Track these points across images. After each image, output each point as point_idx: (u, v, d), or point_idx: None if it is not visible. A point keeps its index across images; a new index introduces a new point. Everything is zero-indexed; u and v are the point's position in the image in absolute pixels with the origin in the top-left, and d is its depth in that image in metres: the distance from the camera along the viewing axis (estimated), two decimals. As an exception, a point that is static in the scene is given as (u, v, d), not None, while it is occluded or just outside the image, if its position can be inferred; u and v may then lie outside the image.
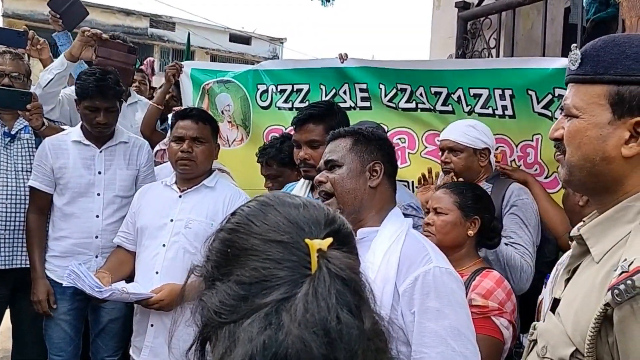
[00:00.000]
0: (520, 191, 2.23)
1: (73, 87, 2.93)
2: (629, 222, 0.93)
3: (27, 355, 2.80)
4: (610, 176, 0.97)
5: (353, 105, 2.81)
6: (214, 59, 26.42)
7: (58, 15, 3.22)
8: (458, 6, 4.01)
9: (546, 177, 2.47)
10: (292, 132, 2.35)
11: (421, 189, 2.64)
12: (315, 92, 2.90)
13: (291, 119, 2.34)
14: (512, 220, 2.16)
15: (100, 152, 2.64)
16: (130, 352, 2.39)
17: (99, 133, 2.62)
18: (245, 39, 28.61)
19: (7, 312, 2.89)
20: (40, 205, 2.63)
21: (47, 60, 3.09)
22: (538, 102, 2.35)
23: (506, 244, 2.09)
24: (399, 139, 2.75)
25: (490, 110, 2.49)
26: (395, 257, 1.34)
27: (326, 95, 2.85)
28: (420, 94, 2.62)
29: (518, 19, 3.72)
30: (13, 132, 2.73)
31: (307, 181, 2.23)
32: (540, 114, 2.37)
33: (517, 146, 2.48)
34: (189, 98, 3.18)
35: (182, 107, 2.93)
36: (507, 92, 2.42)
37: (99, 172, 2.63)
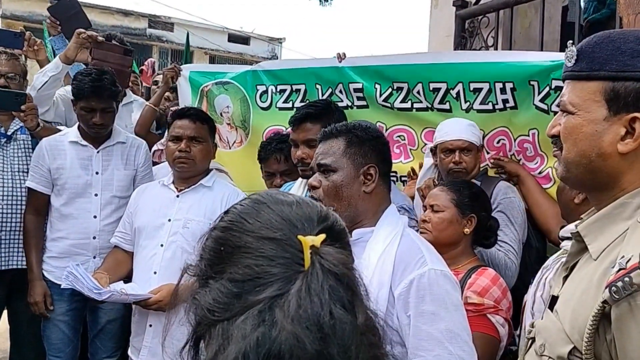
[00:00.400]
0: (507, 190, 2.24)
1: (67, 87, 2.92)
2: (627, 218, 0.93)
3: (25, 356, 2.80)
4: (607, 172, 0.96)
5: (350, 104, 2.81)
6: (212, 59, 26.42)
7: (58, 22, 3.21)
8: (456, 5, 4.01)
9: (540, 173, 2.46)
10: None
11: (409, 183, 2.65)
12: (312, 92, 2.89)
13: None
14: (499, 219, 2.16)
15: (98, 152, 2.64)
16: (129, 352, 2.38)
17: (96, 134, 2.61)
18: (243, 39, 28.59)
19: (5, 313, 2.88)
20: (37, 206, 2.63)
21: (44, 61, 3.09)
22: (539, 94, 2.34)
23: None
24: (399, 136, 2.74)
25: (490, 106, 2.47)
26: (390, 260, 1.33)
27: (322, 95, 2.84)
28: (418, 92, 2.60)
29: (516, 18, 3.72)
30: (9, 133, 2.73)
31: (304, 180, 2.22)
32: (537, 107, 2.36)
33: (515, 140, 2.48)
34: (188, 101, 3.17)
35: (179, 107, 2.92)
36: (508, 85, 2.39)
37: (97, 173, 2.62)
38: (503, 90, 2.41)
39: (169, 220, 2.31)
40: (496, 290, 1.74)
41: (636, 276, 0.80)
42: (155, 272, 2.28)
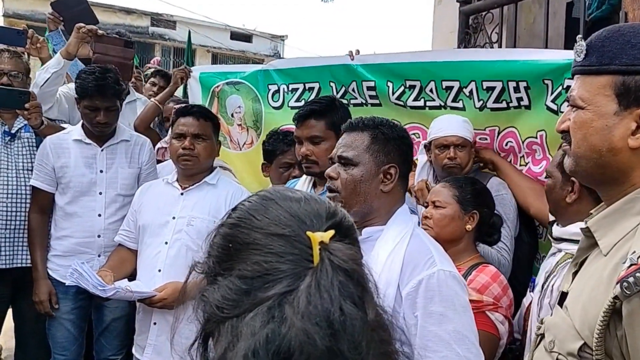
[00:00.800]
0: (499, 186, 2.24)
1: (70, 85, 2.92)
2: (637, 214, 0.92)
3: (30, 354, 2.80)
4: (617, 167, 0.95)
5: (364, 101, 2.80)
6: (214, 57, 26.43)
7: (60, 18, 3.19)
8: (459, 1, 3.99)
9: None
10: None
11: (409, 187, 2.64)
12: (326, 90, 2.88)
13: None
14: None
15: (102, 150, 2.64)
16: (133, 350, 2.39)
17: (100, 132, 2.61)
18: (246, 37, 28.58)
19: (9, 311, 2.89)
20: (42, 204, 2.63)
21: (46, 59, 3.08)
22: (551, 93, 2.32)
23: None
24: (414, 134, 2.73)
25: (504, 104, 2.45)
26: (399, 259, 1.32)
27: (337, 93, 2.83)
28: (431, 90, 2.58)
29: (520, 13, 3.70)
30: (13, 131, 2.72)
31: (309, 177, 2.22)
32: (548, 107, 2.34)
33: (523, 142, 2.46)
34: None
35: (183, 105, 2.91)
36: (522, 84, 2.37)
37: (101, 171, 2.62)
38: (517, 89, 2.39)
39: (173, 217, 2.31)
40: (496, 287, 1.73)
41: None
42: (159, 270, 2.27)
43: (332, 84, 2.85)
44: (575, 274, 1.01)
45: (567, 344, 0.92)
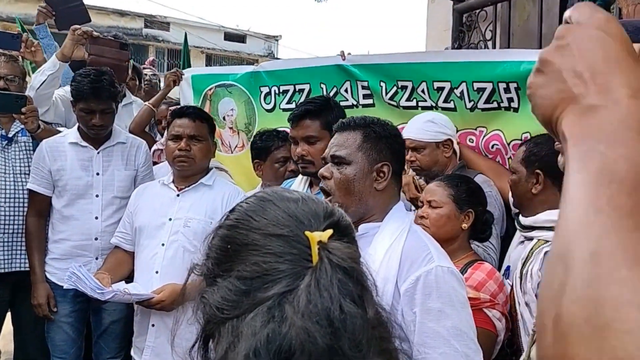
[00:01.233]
0: (484, 184, 2.25)
1: (67, 88, 2.91)
2: None
3: (30, 357, 2.80)
4: None
5: (355, 103, 2.80)
6: (209, 58, 26.39)
7: (53, 12, 3.17)
8: (453, -1, 4.00)
9: None
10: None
11: None
12: (317, 91, 2.88)
13: None
14: None
15: (98, 153, 2.63)
16: (132, 353, 2.39)
17: (95, 135, 2.60)
18: (240, 37, 28.56)
19: (8, 315, 2.89)
20: (39, 208, 2.63)
21: (41, 63, 3.07)
22: None
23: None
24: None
25: (495, 104, 2.46)
26: (396, 255, 1.32)
27: (327, 94, 2.83)
28: (422, 91, 2.60)
29: (514, 11, 3.71)
30: (10, 135, 2.72)
31: (305, 177, 2.22)
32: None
33: (509, 145, 2.47)
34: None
35: (179, 106, 2.91)
36: (512, 85, 2.38)
37: (97, 174, 2.62)
38: (507, 90, 2.40)
39: (170, 219, 2.31)
40: (492, 284, 1.74)
41: None
42: (157, 272, 2.27)
43: (322, 85, 2.85)
44: None
45: None
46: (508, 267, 2.00)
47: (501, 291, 1.75)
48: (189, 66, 4.82)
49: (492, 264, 2.07)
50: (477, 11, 3.83)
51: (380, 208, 1.45)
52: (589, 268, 0.36)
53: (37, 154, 2.62)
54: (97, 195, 2.60)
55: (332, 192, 1.45)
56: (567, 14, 0.52)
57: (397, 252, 1.33)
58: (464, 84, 2.48)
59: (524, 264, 1.78)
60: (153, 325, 2.27)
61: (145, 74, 4.24)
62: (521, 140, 2.41)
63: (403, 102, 2.66)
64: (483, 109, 2.47)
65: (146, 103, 3.26)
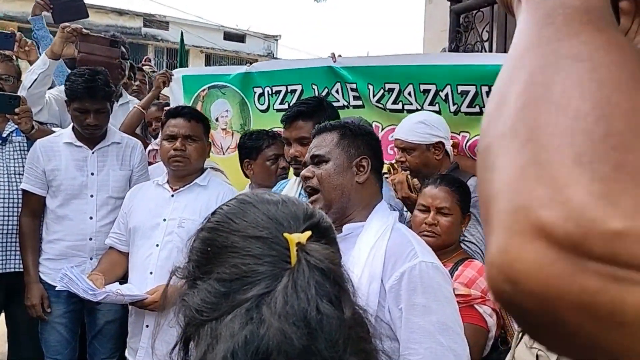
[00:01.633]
0: (477, 187, 2.23)
1: (61, 88, 2.90)
2: None
3: (24, 358, 2.79)
4: None
5: (346, 104, 2.81)
6: (208, 57, 26.38)
7: (51, 5, 3.16)
8: (450, -1, 4.01)
9: None
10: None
11: (389, 179, 2.66)
12: (308, 92, 2.89)
13: None
14: None
15: (93, 153, 2.63)
16: (126, 353, 2.38)
17: (90, 134, 2.60)
18: (239, 37, 28.54)
19: (2, 316, 2.88)
20: (33, 208, 2.62)
21: (35, 62, 3.07)
22: None
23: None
24: (392, 136, 2.75)
25: (477, 109, 2.47)
26: (380, 253, 1.33)
27: (319, 95, 2.84)
28: (409, 93, 2.62)
29: (510, 12, 3.71)
30: (4, 135, 2.72)
31: (298, 179, 2.22)
32: None
33: None
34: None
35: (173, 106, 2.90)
36: None
37: (92, 174, 2.61)
38: (489, 94, 2.41)
39: (164, 220, 2.31)
40: (483, 281, 1.75)
41: None
42: (151, 273, 2.27)
43: (314, 87, 2.86)
44: None
45: None
46: None
47: None
48: (187, 65, 4.82)
49: (481, 255, 2.08)
50: (474, 12, 3.84)
51: (363, 204, 1.47)
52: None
53: (31, 154, 2.61)
54: (91, 196, 2.60)
55: (317, 188, 1.47)
56: None
57: (381, 249, 1.34)
58: (448, 86, 2.50)
59: None
60: (147, 326, 2.27)
61: (145, 72, 4.24)
62: None
63: (389, 105, 2.68)
64: (466, 113, 2.49)
65: (136, 105, 3.25)
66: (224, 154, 3.19)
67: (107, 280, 2.27)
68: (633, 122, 0.30)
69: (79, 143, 2.61)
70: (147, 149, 3.16)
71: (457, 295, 1.62)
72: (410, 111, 2.63)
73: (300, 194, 2.05)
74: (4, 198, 2.65)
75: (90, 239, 2.58)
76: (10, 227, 2.65)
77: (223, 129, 3.19)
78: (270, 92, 3.01)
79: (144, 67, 4.47)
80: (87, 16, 3.24)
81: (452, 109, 2.52)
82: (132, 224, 2.37)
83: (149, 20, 25.28)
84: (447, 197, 1.92)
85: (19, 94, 2.70)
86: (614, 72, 0.32)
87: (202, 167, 2.45)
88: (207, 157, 2.52)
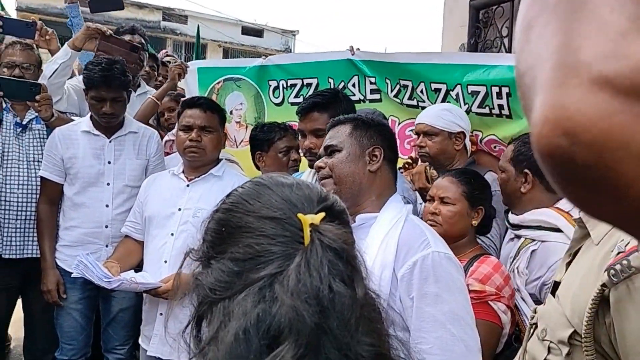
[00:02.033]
0: (494, 183, 2.23)
1: (80, 77, 2.94)
2: None
3: (39, 344, 2.84)
4: None
5: (362, 98, 2.80)
6: (226, 52, 26.49)
7: None
8: (469, -5, 3.96)
9: None
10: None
11: (405, 174, 2.65)
12: (324, 85, 2.88)
13: None
14: None
15: (110, 142, 2.65)
16: (140, 341, 2.41)
17: (106, 123, 2.63)
18: (257, 32, 28.61)
19: (19, 302, 2.93)
20: (50, 195, 2.66)
21: (55, 51, 3.10)
22: None
23: None
24: (411, 130, 2.74)
25: (487, 110, 2.45)
26: (393, 242, 1.33)
27: (335, 87, 2.83)
28: (421, 91, 2.60)
29: (530, 7, 3.66)
30: (24, 123, 2.76)
31: (313, 170, 2.22)
32: None
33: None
34: None
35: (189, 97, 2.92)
36: (504, 90, 2.37)
37: (109, 162, 2.64)
38: (499, 95, 2.38)
39: (179, 209, 2.33)
40: (498, 277, 1.73)
41: (634, 259, 0.79)
42: (165, 261, 2.29)
43: (330, 80, 2.85)
44: (568, 264, 1.01)
45: (558, 332, 0.92)
46: None
47: (507, 284, 1.74)
48: (204, 58, 4.83)
49: (495, 251, 2.09)
50: (494, 7, 3.80)
51: (376, 194, 1.47)
52: None
53: (50, 142, 2.65)
54: (108, 184, 2.62)
55: (329, 176, 1.48)
56: None
57: (394, 239, 1.34)
58: (459, 86, 2.48)
59: (512, 262, 1.84)
60: (161, 314, 2.29)
61: (168, 62, 4.26)
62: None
63: (405, 100, 2.67)
64: (477, 113, 2.47)
65: (150, 96, 3.27)
66: (237, 146, 3.20)
67: (122, 268, 2.30)
68: None
69: (96, 132, 2.64)
70: (164, 140, 3.18)
71: (471, 292, 1.62)
72: (424, 108, 2.62)
73: (314, 185, 2.05)
74: (23, 185, 2.69)
75: (106, 226, 2.61)
76: (28, 213, 2.69)
77: (237, 122, 3.19)
78: (285, 86, 3.01)
79: (167, 58, 4.49)
80: (123, 8, 3.27)
81: (464, 108, 2.50)
82: (147, 213, 2.40)
83: (168, 14, 25.45)
84: (451, 186, 1.92)
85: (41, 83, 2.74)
86: None
87: (217, 158, 2.46)
88: (223, 147, 2.53)
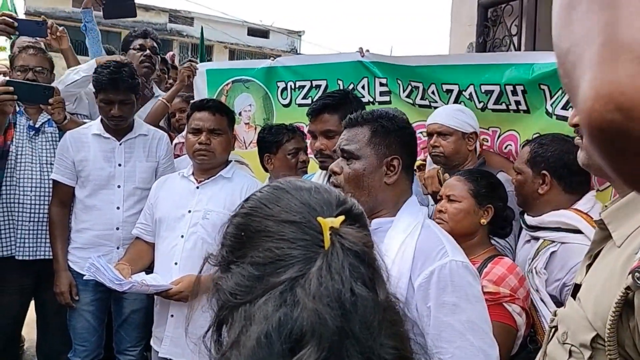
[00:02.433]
0: (507, 183, 2.22)
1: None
2: None
3: (52, 345, 2.86)
4: None
5: (372, 99, 2.79)
6: (232, 53, 26.55)
7: (103, 1, 3.20)
8: (477, -7, 3.94)
9: None
10: None
11: (417, 174, 2.65)
12: (333, 87, 2.88)
13: None
14: None
15: (120, 144, 2.67)
16: (152, 342, 2.42)
17: (115, 125, 2.64)
18: (263, 33, 28.66)
19: (32, 303, 2.95)
20: (62, 198, 2.68)
21: (67, 51, 3.11)
22: (551, 98, 2.30)
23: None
24: (420, 132, 2.73)
25: (503, 106, 2.44)
26: (410, 250, 1.32)
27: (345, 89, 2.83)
28: (432, 92, 2.60)
29: (540, 5, 3.63)
30: (37, 126, 2.78)
31: (324, 172, 2.22)
32: (547, 112, 2.31)
33: (521, 146, 2.44)
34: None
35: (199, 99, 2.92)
36: (519, 88, 2.36)
37: (119, 165, 2.65)
38: (514, 93, 2.37)
39: (189, 211, 2.33)
40: (512, 279, 1.72)
41: None
42: (176, 263, 2.30)
43: (339, 82, 2.85)
44: (589, 266, 1.00)
45: (580, 335, 0.91)
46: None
47: (522, 286, 1.73)
48: (210, 60, 4.84)
49: (511, 251, 2.07)
50: (503, 6, 3.77)
51: (391, 202, 1.44)
52: None
53: (61, 145, 2.67)
54: (118, 186, 2.64)
55: (342, 186, 1.44)
56: None
57: (410, 246, 1.32)
58: (471, 86, 2.47)
59: (530, 264, 1.82)
60: (172, 315, 2.30)
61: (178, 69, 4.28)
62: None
63: (418, 101, 2.66)
64: (493, 110, 2.45)
65: (160, 98, 3.28)
66: (246, 148, 3.20)
67: (133, 270, 2.31)
68: None
69: (107, 135, 2.66)
70: (174, 142, 3.19)
71: (485, 293, 1.60)
72: (437, 108, 2.61)
73: (325, 187, 2.04)
74: (35, 187, 2.71)
75: (117, 228, 2.63)
76: (40, 215, 2.71)
77: (246, 123, 3.20)
78: (293, 87, 3.01)
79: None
80: (135, 15, 3.30)
81: (479, 106, 2.48)
82: (157, 215, 2.41)
83: (175, 16, 25.55)
84: (458, 184, 1.92)
85: (55, 85, 2.75)
86: None
87: (226, 160, 2.47)
88: (232, 149, 2.53)
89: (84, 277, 2.35)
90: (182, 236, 2.32)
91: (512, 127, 2.46)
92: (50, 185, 2.71)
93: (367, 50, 2.82)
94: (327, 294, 0.63)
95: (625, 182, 0.34)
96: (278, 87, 3.07)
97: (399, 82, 2.69)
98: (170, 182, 2.48)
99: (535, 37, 3.59)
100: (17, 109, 2.77)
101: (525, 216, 1.97)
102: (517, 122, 2.44)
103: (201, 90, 3.21)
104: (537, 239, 1.89)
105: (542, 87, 2.30)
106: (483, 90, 2.45)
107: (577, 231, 1.75)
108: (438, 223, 1.75)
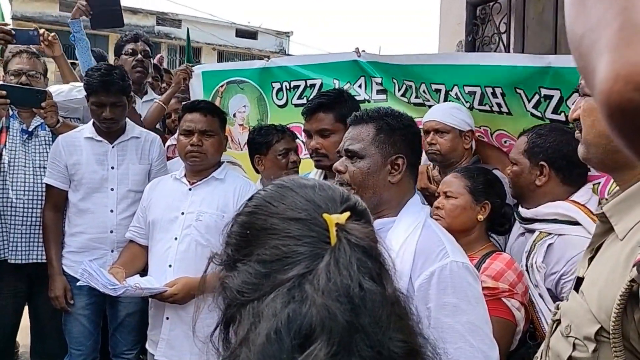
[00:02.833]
0: (502, 180, 2.23)
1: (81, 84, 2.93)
2: None
3: (47, 349, 2.83)
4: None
5: (368, 98, 2.80)
6: (220, 54, 26.49)
7: (91, 12, 3.20)
8: (466, -9, 3.95)
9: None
10: None
11: None
12: (329, 87, 2.88)
13: None
14: None
15: (113, 147, 2.66)
16: (147, 345, 2.41)
17: (107, 128, 2.63)
18: (251, 34, 28.63)
19: (25, 309, 2.92)
20: (55, 202, 2.66)
21: (60, 58, 3.10)
22: (528, 101, 2.30)
23: None
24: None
25: (487, 107, 2.45)
26: (410, 250, 1.32)
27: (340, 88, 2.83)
28: (424, 91, 2.61)
29: (528, 3, 3.66)
30: (30, 129, 2.76)
31: (320, 170, 2.22)
32: (532, 114, 2.32)
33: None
34: None
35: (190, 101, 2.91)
36: (498, 90, 2.37)
37: (112, 168, 2.64)
38: (494, 95, 2.38)
39: (182, 213, 2.33)
40: (511, 274, 1.73)
41: None
42: (170, 265, 2.29)
43: (335, 81, 2.85)
44: (591, 259, 1.01)
45: (584, 329, 0.92)
46: None
47: (520, 281, 1.74)
48: (198, 62, 4.83)
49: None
50: (491, 4, 3.78)
51: (395, 201, 1.44)
52: None
53: (54, 149, 2.65)
54: (112, 189, 2.62)
55: (349, 184, 1.44)
56: None
57: (411, 247, 1.32)
58: (456, 87, 2.48)
59: (527, 257, 1.80)
60: (167, 318, 2.29)
61: (172, 73, 4.28)
62: None
63: (413, 99, 2.67)
64: (480, 110, 2.47)
65: (157, 100, 3.27)
66: (241, 149, 3.19)
67: (127, 273, 2.29)
68: None
69: (99, 138, 2.64)
70: (166, 144, 3.18)
71: (484, 289, 1.61)
72: (430, 106, 2.62)
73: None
74: (28, 190, 2.69)
75: (111, 231, 2.61)
76: (33, 218, 2.69)
77: (240, 125, 3.19)
78: (288, 87, 3.01)
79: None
80: (123, 25, 3.29)
81: (466, 105, 2.50)
82: (150, 217, 2.40)
83: (162, 18, 25.44)
84: (454, 181, 1.93)
85: (47, 89, 2.73)
86: None
87: (218, 161, 2.47)
88: (224, 150, 2.53)
89: (78, 284, 2.33)
90: (176, 238, 2.31)
91: (500, 127, 2.47)
92: (43, 189, 2.69)
93: (364, 51, 2.83)
94: (335, 289, 0.64)
95: None
96: (273, 87, 3.06)
97: (394, 81, 2.70)
98: (163, 184, 2.47)
99: (524, 35, 3.61)
100: (10, 112, 2.75)
101: (520, 208, 1.94)
102: (503, 123, 2.45)
103: (197, 93, 3.20)
104: (531, 231, 1.87)
105: (517, 91, 2.30)
106: (467, 91, 2.46)
107: (574, 223, 1.73)
108: (435, 219, 1.76)
